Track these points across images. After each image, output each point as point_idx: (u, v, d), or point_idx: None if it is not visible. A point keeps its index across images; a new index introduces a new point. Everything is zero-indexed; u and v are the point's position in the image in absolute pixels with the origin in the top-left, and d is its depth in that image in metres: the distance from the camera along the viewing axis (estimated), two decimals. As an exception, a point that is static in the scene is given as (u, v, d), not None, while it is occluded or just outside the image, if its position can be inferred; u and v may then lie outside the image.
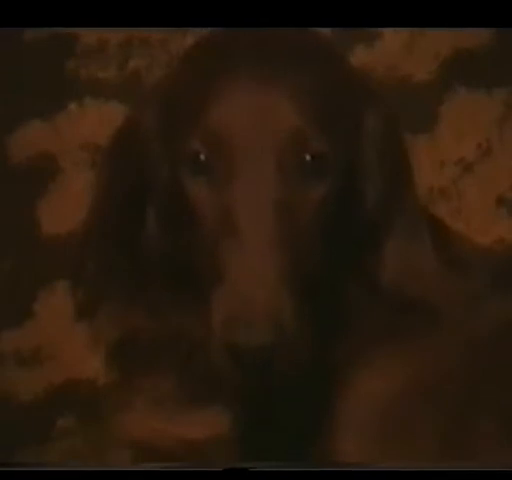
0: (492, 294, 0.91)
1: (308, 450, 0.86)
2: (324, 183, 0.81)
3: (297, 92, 0.81)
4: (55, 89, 1.32)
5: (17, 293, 1.21)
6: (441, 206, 1.05)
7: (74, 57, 1.33)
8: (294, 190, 0.80)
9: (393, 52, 1.07)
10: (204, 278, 0.80)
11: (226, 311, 0.75)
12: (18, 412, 1.14)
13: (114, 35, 1.33)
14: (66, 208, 1.23)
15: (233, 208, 0.79)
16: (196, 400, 0.92)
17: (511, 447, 0.80)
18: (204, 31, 0.92)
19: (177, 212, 0.84)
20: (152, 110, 0.87)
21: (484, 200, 1.19)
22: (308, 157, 0.80)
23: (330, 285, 0.85)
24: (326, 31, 1.00)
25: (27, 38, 1.33)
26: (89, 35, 1.33)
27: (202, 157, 0.80)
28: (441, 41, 1.27)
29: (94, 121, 1.25)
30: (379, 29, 1.17)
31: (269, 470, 0.80)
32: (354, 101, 0.87)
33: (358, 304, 0.91)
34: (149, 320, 1.01)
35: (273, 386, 0.77)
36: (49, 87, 1.32)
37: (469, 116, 1.24)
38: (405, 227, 0.90)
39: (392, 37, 1.15)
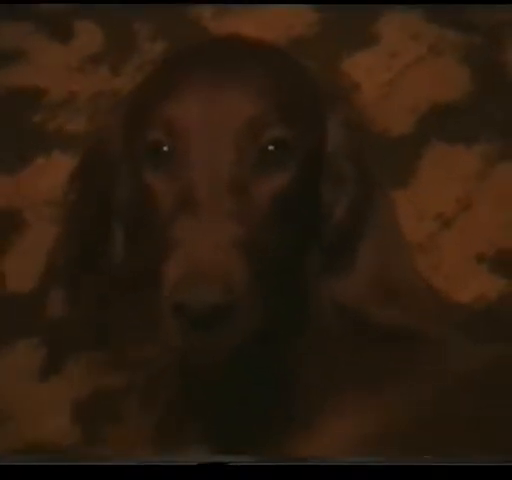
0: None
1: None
2: (286, 171, 0.88)
3: (252, 87, 0.89)
4: (22, 143, 1.35)
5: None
6: (420, 261, 1.07)
7: (41, 110, 1.36)
8: (253, 174, 0.87)
9: (370, 105, 1.09)
10: (160, 254, 0.85)
11: (177, 274, 0.79)
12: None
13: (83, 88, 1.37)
14: (31, 264, 1.24)
15: (191, 189, 0.85)
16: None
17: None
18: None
19: (142, 221, 0.90)
20: (116, 121, 0.97)
21: (463, 256, 1.20)
22: (271, 147, 0.87)
23: (285, 264, 0.90)
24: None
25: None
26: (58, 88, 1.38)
27: (165, 148, 0.88)
28: (418, 95, 1.31)
29: (61, 175, 1.26)
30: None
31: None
32: (315, 100, 0.94)
33: (312, 285, 0.95)
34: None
35: (218, 346, 0.81)
36: (16, 141, 1.35)
37: (448, 170, 1.26)
38: (379, 232, 0.95)
39: (369, 89, 1.18)
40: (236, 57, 0.94)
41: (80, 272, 1.00)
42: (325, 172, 0.94)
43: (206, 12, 1.40)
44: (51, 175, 1.31)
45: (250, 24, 1.17)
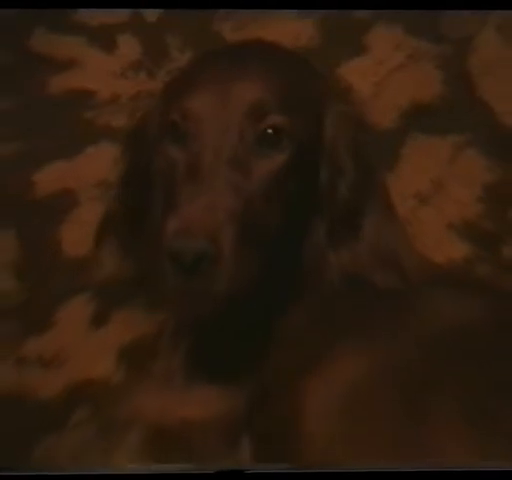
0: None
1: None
2: (280, 153, 0.87)
3: (256, 81, 0.89)
4: (75, 135, 1.31)
5: (40, 306, 1.18)
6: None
7: (91, 108, 1.33)
8: (252, 153, 0.86)
9: (362, 103, 1.04)
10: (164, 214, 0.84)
11: (172, 228, 0.79)
12: (40, 407, 1.11)
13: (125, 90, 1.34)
14: (82, 235, 1.21)
15: (197, 161, 0.85)
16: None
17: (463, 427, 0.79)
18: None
19: (172, 188, 0.88)
20: (152, 110, 0.99)
21: (437, 226, 1.18)
22: (269, 131, 0.87)
23: (285, 233, 0.89)
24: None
25: (50, 91, 1.35)
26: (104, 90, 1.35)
27: (181, 128, 0.89)
28: (401, 95, 1.28)
29: (108, 162, 1.23)
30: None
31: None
32: (315, 95, 0.91)
33: (317, 252, 0.92)
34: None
35: (207, 290, 0.81)
36: (70, 134, 1.31)
37: (425, 157, 1.24)
38: (377, 210, 0.93)
39: (361, 89, 1.14)
40: (244, 57, 0.92)
41: (128, 234, 0.99)
42: (324, 157, 0.90)
43: (226, 26, 1.37)
44: (99, 162, 1.28)
45: (263, 36, 1.10)
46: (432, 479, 0.85)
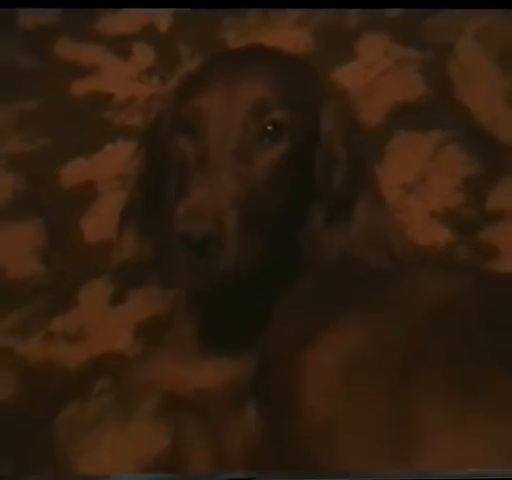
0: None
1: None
2: (280, 145, 0.86)
3: (259, 81, 0.87)
4: (96, 134, 1.30)
5: (65, 287, 1.17)
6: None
7: (109, 109, 1.32)
8: (255, 146, 0.85)
9: (354, 103, 1.03)
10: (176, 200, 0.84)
11: (181, 212, 0.78)
12: (66, 377, 1.09)
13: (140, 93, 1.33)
14: (102, 223, 1.21)
15: (206, 153, 0.84)
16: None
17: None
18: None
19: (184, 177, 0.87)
20: (166, 108, 0.96)
21: (422, 213, 1.17)
22: (269, 127, 0.85)
23: (285, 217, 0.87)
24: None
25: (73, 93, 1.34)
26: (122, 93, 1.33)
27: (191, 124, 0.87)
28: (388, 96, 1.26)
29: (125, 157, 1.22)
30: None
31: None
32: (313, 94, 0.91)
33: (315, 234, 0.91)
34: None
35: (214, 268, 0.79)
36: (91, 132, 1.30)
37: (410, 151, 1.22)
38: (369, 197, 0.92)
39: (353, 91, 1.12)
40: (249, 60, 0.92)
41: (145, 220, 0.98)
42: (320, 150, 0.89)
43: (231, 35, 1.37)
44: (117, 157, 1.26)
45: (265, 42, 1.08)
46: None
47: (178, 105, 0.91)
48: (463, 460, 0.69)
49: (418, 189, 1.18)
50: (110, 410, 1.06)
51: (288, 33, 1.33)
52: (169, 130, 0.93)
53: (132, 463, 1.01)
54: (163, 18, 1.40)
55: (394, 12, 1.34)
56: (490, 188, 1.18)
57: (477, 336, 0.81)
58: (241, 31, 1.35)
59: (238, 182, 0.82)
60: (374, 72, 1.29)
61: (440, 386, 0.76)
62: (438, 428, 0.72)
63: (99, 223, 1.21)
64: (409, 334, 0.82)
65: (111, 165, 1.25)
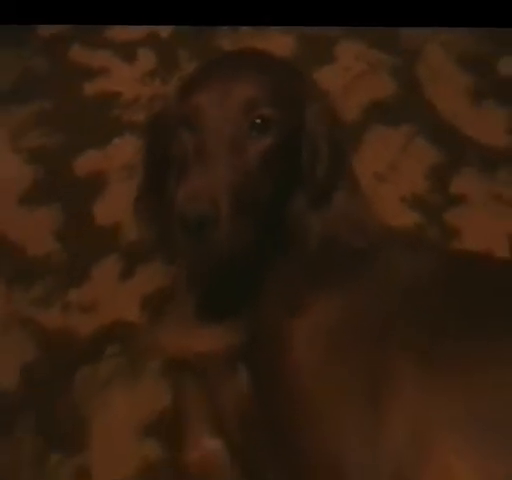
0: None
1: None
2: (268, 138, 0.83)
3: (249, 82, 0.84)
4: (105, 129, 1.28)
5: (79, 264, 1.15)
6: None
7: (117, 107, 1.30)
8: (245, 138, 0.82)
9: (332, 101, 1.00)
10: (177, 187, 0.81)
11: (181, 197, 0.76)
12: (80, 344, 1.08)
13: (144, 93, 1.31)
14: (112, 208, 1.19)
15: (203, 146, 0.81)
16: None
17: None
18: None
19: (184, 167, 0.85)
20: (170, 105, 0.92)
21: (392, 199, 1.15)
22: (258, 120, 0.83)
23: (273, 202, 0.84)
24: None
25: (85, 93, 1.32)
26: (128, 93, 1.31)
27: (191, 119, 0.84)
28: (363, 95, 1.25)
29: (131, 149, 1.20)
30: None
31: None
32: (298, 93, 0.88)
33: (298, 218, 0.89)
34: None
35: (211, 248, 0.77)
36: (101, 128, 1.28)
37: (382, 143, 1.20)
38: (347, 186, 0.90)
39: (331, 91, 1.09)
40: (241, 63, 0.90)
41: (150, 205, 0.95)
42: (305, 143, 0.87)
43: (226, 42, 1.35)
44: (124, 149, 1.25)
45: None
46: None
47: (180, 102, 0.89)
48: (427, 406, 0.71)
49: (390, 177, 1.18)
50: (119, 371, 1.05)
51: (276, 40, 1.32)
52: (171, 125, 0.90)
53: (139, 417, 1.01)
54: (164, 27, 1.38)
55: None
56: (453, 175, 1.17)
57: (441, 306, 0.80)
58: (234, 38, 1.34)
59: (231, 170, 0.80)
60: (351, 74, 1.28)
61: (410, 349, 0.76)
62: (407, 382, 0.73)
63: (109, 207, 1.20)
64: (382, 305, 0.81)
65: (119, 157, 1.24)
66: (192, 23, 1.29)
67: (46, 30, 1.38)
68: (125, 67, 1.34)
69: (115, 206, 1.17)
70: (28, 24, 1.35)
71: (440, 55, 1.28)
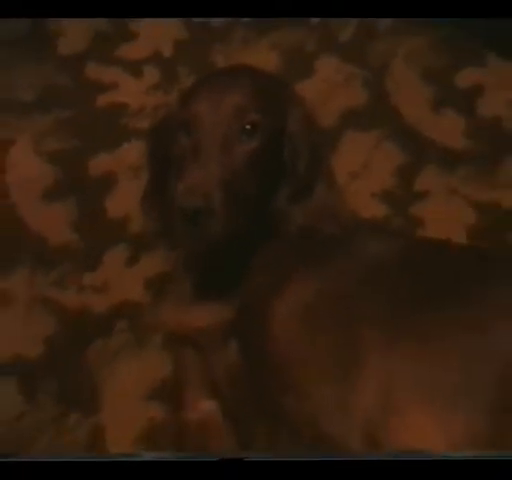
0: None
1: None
2: (255, 140, 0.84)
3: (239, 92, 0.86)
4: (115, 135, 1.28)
5: (93, 252, 1.15)
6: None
7: (126, 116, 1.29)
8: (236, 141, 0.84)
9: (312, 109, 0.99)
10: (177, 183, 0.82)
11: (180, 191, 0.77)
12: (94, 320, 1.09)
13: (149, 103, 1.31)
14: (121, 203, 1.19)
15: (198, 146, 0.82)
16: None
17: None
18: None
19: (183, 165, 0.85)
20: (172, 112, 0.94)
21: (364, 194, 1.15)
22: (248, 126, 0.84)
23: (260, 196, 0.85)
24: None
25: (98, 104, 1.31)
26: (135, 103, 1.31)
27: (189, 124, 0.86)
28: (339, 103, 1.25)
29: (138, 153, 1.19)
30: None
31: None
32: (281, 101, 0.90)
33: (281, 210, 0.88)
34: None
35: (206, 236, 0.79)
36: (112, 134, 1.28)
37: (355, 146, 1.20)
38: (325, 181, 0.90)
39: (311, 100, 1.08)
40: (232, 76, 0.90)
41: (155, 199, 0.95)
42: (287, 144, 0.87)
43: (220, 58, 1.34)
44: (131, 153, 1.25)
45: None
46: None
47: (180, 110, 0.90)
48: (392, 371, 0.71)
49: (362, 175, 1.18)
50: (127, 344, 1.06)
51: (262, 55, 1.32)
52: (172, 130, 0.90)
53: (145, 383, 1.02)
54: (166, 46, 1.38)
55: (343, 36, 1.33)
56: (417, 173, 1.17)
57: (405, 284, 0.81)
58: (227, 55, 1.34)
59: (223, 169, 0.81)
60: (328, 85, 1.28)
61: (375, 322, 0.76)
62: (374, 351, 0.74)
63: (119, 203, 1.20)
64: (352, 284, 0.81)
65: (127, 159, 1.24)
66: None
67: (66, 48, 1.38)
68: (132, 81, 1.34)
69: (124, 201, 1.18)
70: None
71: (405, 67, 1.28)
